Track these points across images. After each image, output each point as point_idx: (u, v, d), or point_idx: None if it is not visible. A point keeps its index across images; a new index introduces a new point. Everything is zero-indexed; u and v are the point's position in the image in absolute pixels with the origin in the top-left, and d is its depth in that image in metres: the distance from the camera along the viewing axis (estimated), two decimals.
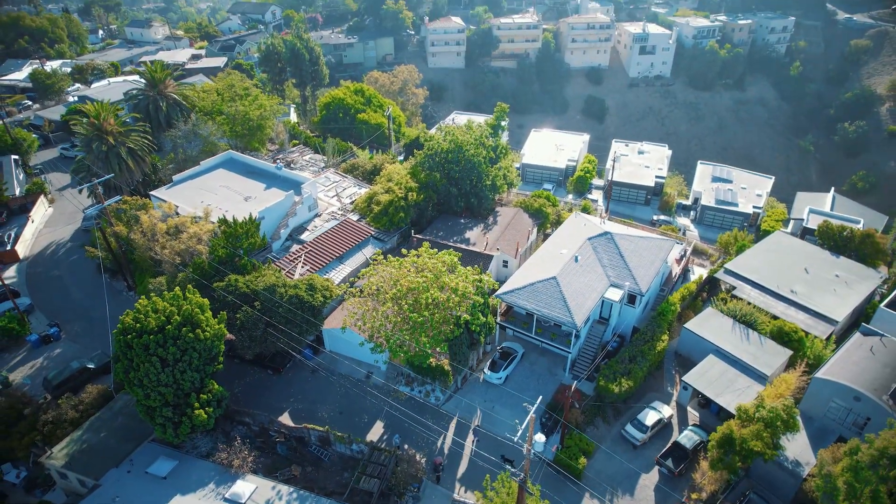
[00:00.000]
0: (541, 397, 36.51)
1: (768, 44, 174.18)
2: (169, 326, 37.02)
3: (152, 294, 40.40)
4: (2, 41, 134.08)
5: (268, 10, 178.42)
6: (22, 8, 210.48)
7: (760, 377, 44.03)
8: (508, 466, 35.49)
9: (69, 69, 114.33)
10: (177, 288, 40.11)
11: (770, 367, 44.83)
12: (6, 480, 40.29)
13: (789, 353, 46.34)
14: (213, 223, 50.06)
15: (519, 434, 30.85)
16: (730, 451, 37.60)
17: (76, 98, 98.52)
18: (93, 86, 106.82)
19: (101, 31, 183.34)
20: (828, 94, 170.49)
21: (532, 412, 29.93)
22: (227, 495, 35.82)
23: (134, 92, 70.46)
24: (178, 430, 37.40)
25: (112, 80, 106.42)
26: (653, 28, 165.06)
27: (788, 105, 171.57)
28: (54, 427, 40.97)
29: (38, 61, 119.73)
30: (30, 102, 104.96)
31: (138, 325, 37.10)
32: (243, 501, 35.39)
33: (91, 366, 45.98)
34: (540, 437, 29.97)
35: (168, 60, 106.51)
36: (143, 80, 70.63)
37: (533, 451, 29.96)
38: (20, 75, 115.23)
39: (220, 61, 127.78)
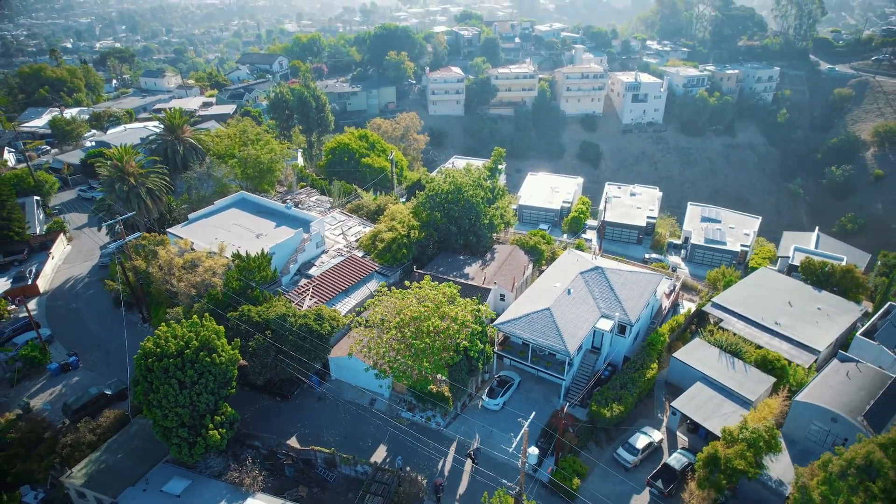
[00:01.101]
0: (534, 413, 38.81)
1: (755, 92, 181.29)
2: (188, 351, 39.66)
3: (171, 321, 43.12)
4: (23, 91, 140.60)
5: (275, 60, 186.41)
6: (43, 60, 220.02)
7: (745, 402, 46.30)
8: (505, 482, 37.43)
9: (87, 116, 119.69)
10: (194, 316, 42.91)
11: (754, 392, 47.15)
12: (25, 502, 42.03)
13: (773, 380, 48.73)
14: (228, 258, 53.19)
15: (514, 446, 33.17)
16: (715, 470, 39.64)
17: (93, 143, 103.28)
18: (109, 132, 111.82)
19: (114, 81, 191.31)
20: (814, 139, 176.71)
21: (525, 426, 32.33)
22: None
23: (153, 136, 74.76)
24: (193, 450, 39.54)
25: (128, 126, 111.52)
26: (644, 77, 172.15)
27: (777, 150, 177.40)
28: (73, 450, 43.02)
29: (57, 109, 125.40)
30: (48, 147, 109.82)
31: (158, 349, 39.75)
32: None
33: (108, 392, 48.31)
34: (533, 450, 32.21)
35: (176, 107, 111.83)
36: (158, 127, 75.08)
37: (528, 463, 32.19)
38: (39, 122, 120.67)
39: (229, 108, 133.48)
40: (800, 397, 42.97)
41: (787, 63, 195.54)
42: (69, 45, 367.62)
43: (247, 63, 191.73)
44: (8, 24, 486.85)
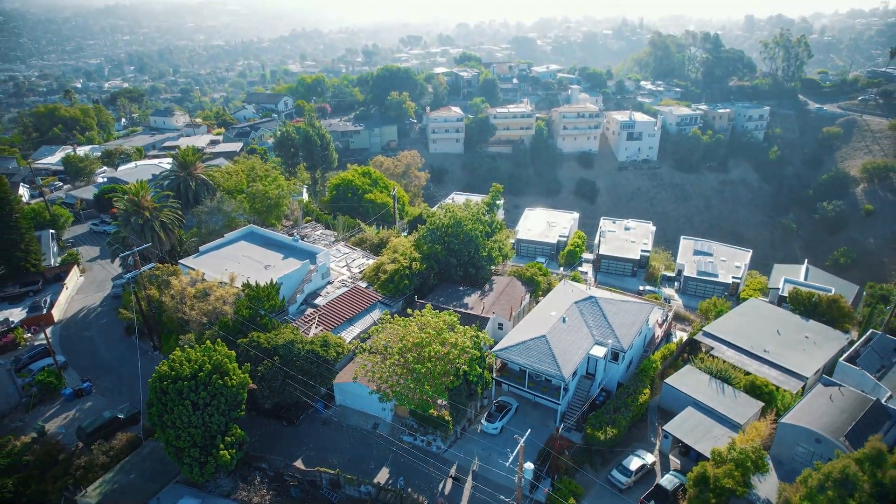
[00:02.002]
0: (529, 430, 40.69)
1: (747, 130, 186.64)
2: (201, 374, 41.80)
3: (185, 346, 45.34)
4: (37, 129, 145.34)
5: (280, 100, 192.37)
6: (53, 100, 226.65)
7: (734, 426, 48.11)
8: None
9: (99, 154, 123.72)
10: (207, 341, 45.16)
11: (743, 416, 49.00)
12: None
13: (761, 404, 50.63)
14: (238, 287, 55.67)
15: (510, 461, 35.05)
16: (705, 489, 41.23)
17: (105, 179, 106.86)
18: (119, 168, 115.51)
19: (123, 120, 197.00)
20: (806, 175, 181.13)
21: (521, 442, 34.28)
22: None
23: (166, 172, 78.13)
24: (204, 470, 41.29)
25: (139, 163, 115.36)
26: (639, 116, 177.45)
27: (770, 186, 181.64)
28: (86, 471, 44.74)
29: (70, 147, 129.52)
30: (61, 183, 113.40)
31: (173, 372, 41.91)
32: None
33: (121, 416, 50.11)
34: (529, 465, 34.08)
35: (188, 145, 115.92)
36: (167, 164, 78.34)
37: (524, 478, 34.02)
38: (53, 159, 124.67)
39: (236, 146, 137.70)
40: (785, 419, 44.86)
41: (777, 102, 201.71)
42: (79, 85, 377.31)
43: (253, 102, 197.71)
44: (20, 66, 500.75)
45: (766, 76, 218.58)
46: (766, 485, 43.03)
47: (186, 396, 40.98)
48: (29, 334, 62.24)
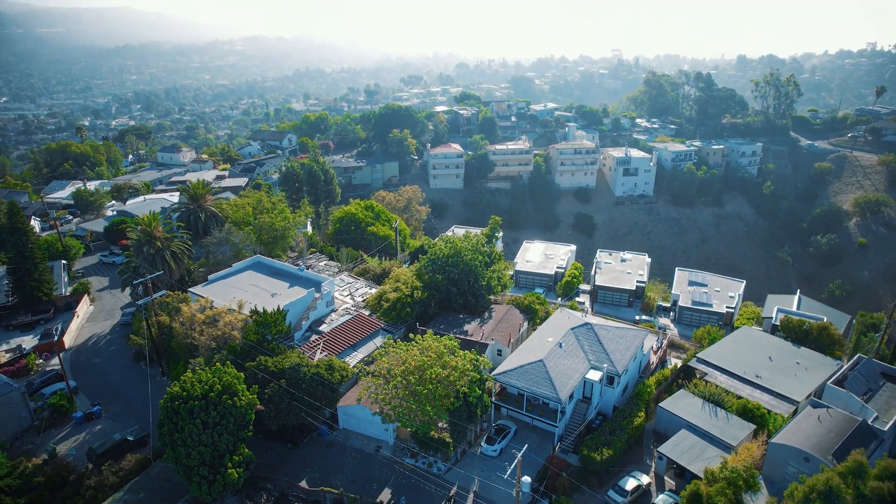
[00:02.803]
0: (526, 445, 42.16)
1: (741, 166, 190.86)
2: (212, 394, 43.48)
3: (196, 368, 47.12)
4: (48, 165, 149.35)
5: (285, 136, 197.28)
6: (61, 137, 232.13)
7: (727, 447, 49.44)
8: None
9: (108, 188, 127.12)
10: (217, 363, 46.97)
11: (736, 438, 50.39)
12: None
13: (753, 427, 52.06)
14: (246, 314, 57.67)
15: (507, 474, 36.48)
16: None
17: (115, 213, 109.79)
18: (128, 202, 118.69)
19: (130, 156, 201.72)
20: (800, 209, 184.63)
21: (519, 456, 35.82)
22: None
23: (176, 204, 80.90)
24: (212, 488, 42.56)
25: (147, 196, 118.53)
26: (634, 152, 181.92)
27: (765, 220, 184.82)
28: (96, 491, 45.99)
29: (80, 182, 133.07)
30: (71, 217, 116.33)
31: (184, 392, 43.62)
32: None
33: (130, 438, 51.49)
34: (526, 479, 35.54)
35: (195, 180, 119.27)
36: (174, 196, 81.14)
37: (522, 491, 35.47)
38: (63, 193, 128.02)
39: (241, 181, 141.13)
40: (775, 440, 46.31)
41: (769, 139, 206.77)
42: (87, 123, 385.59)
43: (258, 139, 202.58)
44: (30, 105, 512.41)
45: (758, 114, 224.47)
46: (758, 503, 44.21)
47: (197, 416, 42.58)
48: (41, 360, 63.96)
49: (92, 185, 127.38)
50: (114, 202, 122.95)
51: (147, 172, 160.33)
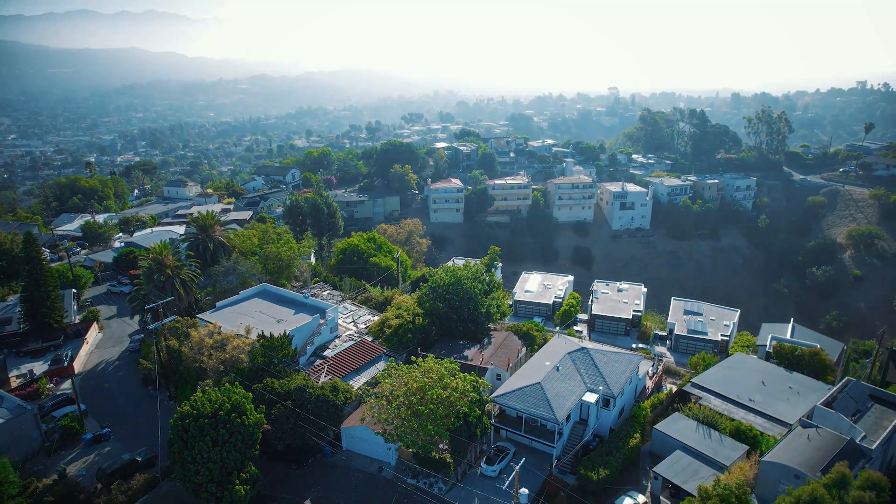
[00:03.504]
0: (524, 459, 43.57)
1: (736, 200, 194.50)
2: (221, 412, 45.17)
3: (206, 388, 48.84)
4: (57, 199, 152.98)
5: (288, 171, 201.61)
6: (67, 172, 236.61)
7: (721, 467, 50.74)
8: None
9: (116, 221, 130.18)
10: (226, 384, 48.72)
11: (729, 458, 51.72)
12: None
13: (746, 447, 53.43)
14: (253, 338, 59.58)
15: (506, 485, 37.91)
16: None
17: (123, 244, 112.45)
18: (135, 234, 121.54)
19: (136, 191, 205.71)
20: (795, 242, 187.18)
21: (517, 468, 37.34)
22: None
23: (184, 235, 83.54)
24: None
25: (154, 229, 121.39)
26: (631, 187, 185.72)
27: (761, 252, 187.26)
28: None
29: (88, 215, 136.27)
30: (79, 249, 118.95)
31: (195, 411, 45.29)
32: None
33: (139, 459, 52.80)
34: (524, 491, 37.00)
35: (204, 211, 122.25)
36: (179, 230, 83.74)
37: (520, 503, 36.90)
38: (72, 226, 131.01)
39: (246, 215, 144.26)
40: (766, 458, 47.69)
41: (763, 174, 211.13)
42: (93, 159, 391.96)
43: (262, 174, 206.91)
44: (37, 142, 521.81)
45: (751, 149, 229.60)
46: None
47: (207, 433, 44.18)
48: (51, 385, 65.54)
49: (100, 218, 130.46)
50: (121, 234, 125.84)
51: (153, 206, 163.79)
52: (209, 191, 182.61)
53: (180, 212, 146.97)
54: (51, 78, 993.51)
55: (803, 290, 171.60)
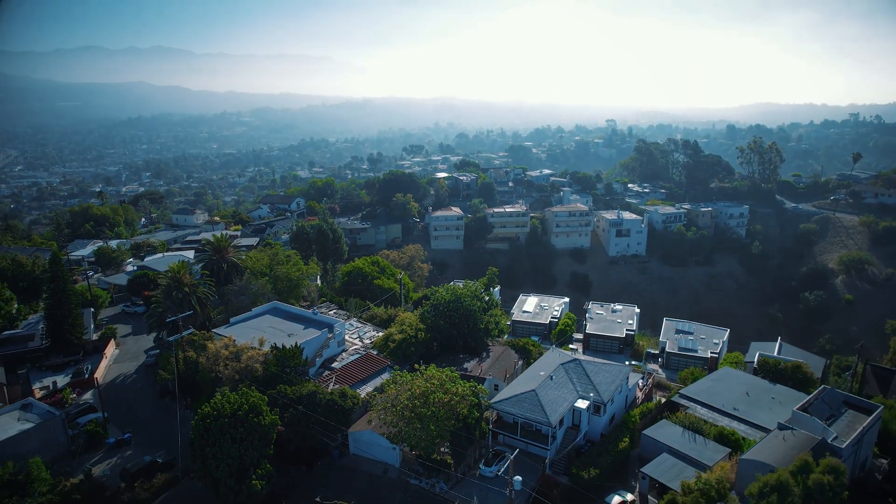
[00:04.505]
0: (518, 449, 47.16)
1: (729, 227, 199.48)
2: (240, 412, 49.00)
3: (224, 391, 52.73)
4: (69, 226, 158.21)
5: (293, 200, 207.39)
6: (75, 203, 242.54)
7: (704, 467, 54.19)
8: None
9: (128, 247, 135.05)
10: (243, 388, 52.67)
11: (712, 460, 55.26)
12: None
13: (728, 450, 56.99)
14: (266, 350, 63.61)
15: (501, 471, 41.54)
16: None
17: (135, 268, 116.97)
18: (146, 259, 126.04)
19: (143, 220, 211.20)
20: (788, 268, 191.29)
21: (511, 457, 41.05)
22: None
23: (201, 256, 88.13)
24: (237, 498, 47.36)
25: (165, 254, 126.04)
26: (626, 215, 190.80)
27: (755, 278, 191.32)
28: None
29: (101, 241, 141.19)
30: (92, 273, 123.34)
31: (215, 412, 49.12)
32: None
33: (160, 460, 56.41)
34: (518, 478, 40.61)
35: (219, 234, 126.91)
36: (189, 255, 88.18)
37: (513, 489, 40.54)
38: (84, 251, 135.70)
39: (252, 241, 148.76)
40: (744, 456, 51.26)
41: (756, 202, 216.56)
42: (98, 189, 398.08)
43: (267, 203, 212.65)
44: (43, 173, 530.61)
45: (744, 178, 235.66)
46: None
47: (226, 431, 47.92)
48: (74, 395, 69.29)
49: (112, 244, 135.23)
50: (132, 259, 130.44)
51: (162, 233, 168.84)
52: (216, 218, 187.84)
53: (189, 238, 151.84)
54: (58, 111, 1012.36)
55: (796, 315, 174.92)
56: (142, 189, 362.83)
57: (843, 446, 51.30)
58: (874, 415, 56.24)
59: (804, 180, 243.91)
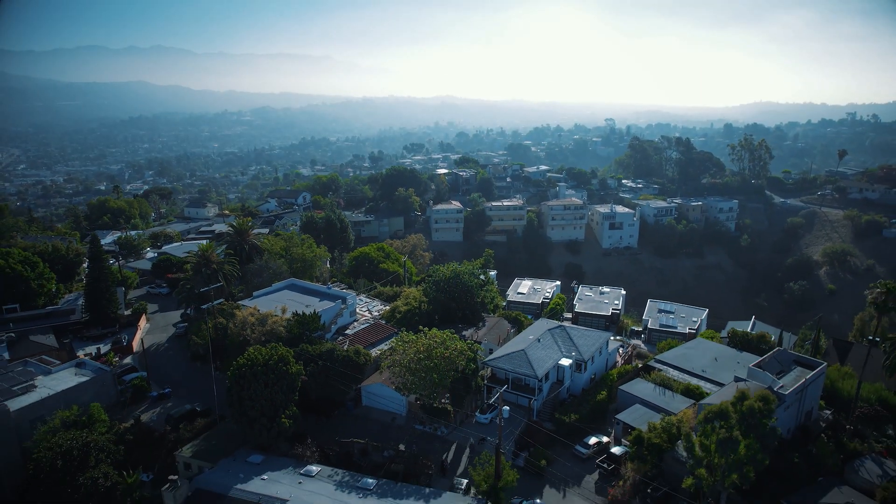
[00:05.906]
0: (506, 385, 55.50)
1: (719, 220, 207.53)
2: (270, 362, 57.37)
3: (258, 346, 61.19)
4: (87, 219, 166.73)
5: (300, 195, 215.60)
6: (80, 201, 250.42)
7: (671, 415, 62.54)
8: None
9: (147, 236, 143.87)
10: (271, 344, 61.12)
11: (678, 409, 63.52)
12: (142, 479, 57.08)
13: (693, 401, 65.30)
14: (288, 316, 72.00)
15: (492, 399, 49.77)
16: (641, 447, 55.50)
17: (156, 254, 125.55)
18: (164, 247, 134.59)
19: (152, 214, 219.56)
20: (775, 260, 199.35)
21: (501, 391, 49.39)
22: (301, 471, 53.30)
23: (223, 238, 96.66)
24: (269, 434, 55.76)
25: (182, 242, 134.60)
26: (619, 208, 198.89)
27: (743, 270, 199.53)
28: (176, 442, 59.12)
29: (120, 231, 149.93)
30: (114, 261, 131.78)
31: (250, 362, 57.46)
32: (314, 474, 52.84)
33: (198, 408, 64.95)
34: (506, 408, 48.89)
35: (232, 223, 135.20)
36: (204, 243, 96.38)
37: (503, 417, 48.90)
38: (105, 241, 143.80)
39: (264, 231, 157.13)
40: (703, 401, 59.65)
41: (746, 197, 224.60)
42: (102, 187, 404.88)
43: (275, 197, 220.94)
44: (46, 171, 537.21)
45: (735, 174, 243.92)
46: None
47: (259, 377, 56.26)
48: (116, 358, 77.83)
49: (136, 234, 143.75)
50: (149, 248, 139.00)
51: (175, 225, 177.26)
52: (226, 211, 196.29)
53: (202, 229, 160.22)
54: (59, 110, 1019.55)
55: (782, 305, 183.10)
56: (146, 187, 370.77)
57: (787, 393, 59.65)
58: (817, 370, 64.63)
59: (793, 177, 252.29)
